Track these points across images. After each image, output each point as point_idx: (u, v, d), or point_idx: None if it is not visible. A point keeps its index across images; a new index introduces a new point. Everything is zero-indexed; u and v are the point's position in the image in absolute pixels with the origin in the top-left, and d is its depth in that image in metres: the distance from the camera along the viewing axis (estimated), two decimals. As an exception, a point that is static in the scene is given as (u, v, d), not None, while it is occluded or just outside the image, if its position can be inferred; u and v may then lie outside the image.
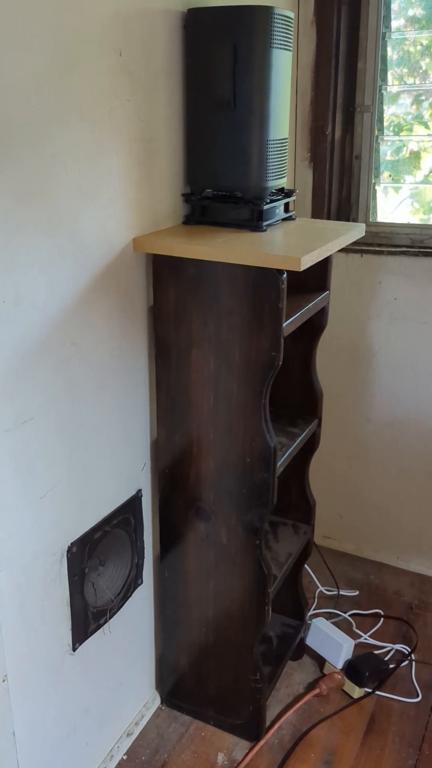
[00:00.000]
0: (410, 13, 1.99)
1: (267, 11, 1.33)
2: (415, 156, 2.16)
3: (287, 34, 1.41)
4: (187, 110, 1.47)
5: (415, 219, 2.19)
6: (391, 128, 2.12)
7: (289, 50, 1.44)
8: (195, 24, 1.40)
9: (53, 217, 1.18)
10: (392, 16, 1.99)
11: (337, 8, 1.94)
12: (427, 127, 2.10)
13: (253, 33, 1.34)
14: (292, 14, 1.42)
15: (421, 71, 2.04)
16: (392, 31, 2.02)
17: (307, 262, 1.28)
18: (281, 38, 1.38)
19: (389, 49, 2.04)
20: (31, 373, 1.20)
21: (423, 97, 2.06)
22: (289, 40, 1.43)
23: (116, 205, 1.33)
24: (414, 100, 2.07)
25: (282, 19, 1.37)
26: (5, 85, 1.03)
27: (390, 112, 2.10)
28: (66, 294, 1.24)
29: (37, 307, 1.18)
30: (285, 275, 1.32)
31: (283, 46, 1.40)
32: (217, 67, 1.39)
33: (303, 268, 1.26)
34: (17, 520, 1.22)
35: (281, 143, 1.49)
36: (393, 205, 2.20)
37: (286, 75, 1.45)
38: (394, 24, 2.00)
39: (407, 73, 2.06)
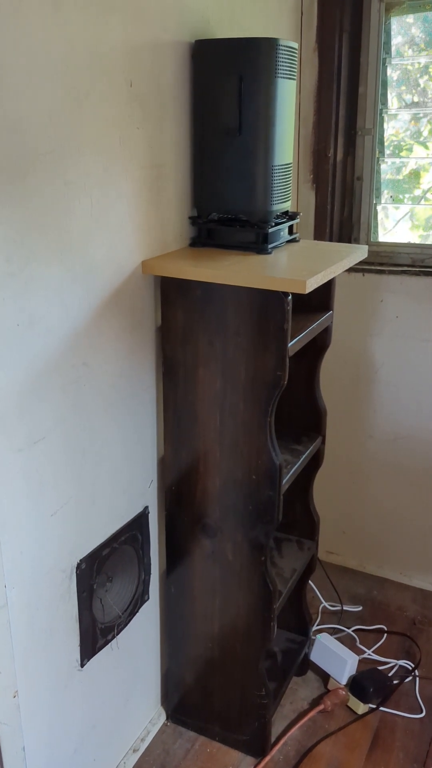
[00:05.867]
0: (409, 33, 2.05)
1: (272, 43, 1.38)
2: (415, 175, 2.21)
3: (291, 64, 1.45)
4: (194, 137, 1.51)
5: (415, 235, 2.23)
6: (390, 147, 2.17)
7: (293, 79, 1.49)
8: (202, 55, 1.44)
9: (66, 242, 1.21)
10: (392, 34, 2.04)
11: (338, 36, 1.99)
12: (426, 147, 2.15)
13: (258, 64, 1.39)
14: (296, 45, 1.46)
15: (419, 89, 2.09)
16: (392, 56, 2.07)
17: (312, 284, 1.31)
18: (285, 68, 1.43)
19: (389, 70, 2.10)
20: (43, 394, 1.23)
21: (421, 114, 2.11)
22: (293, 70, 1.48)
23: (126, 229, 1.37)
24: (412, 116, 2.13)
25: (286, 50, 1.41)
26: (22, 119, 1.07)
27: (389, 129, 2.15)
28: (78, 316, 1.28)
29: (50, 330, 1.21)
30: (290, 297, 1.36)
31: (287, 76, 1.44)
32: (223, 95, 1.43)
33: (308, 290, 1.30)
34: (29, 537, 1.25)
35: (285, 168, 1.53)
36: (392, 222, 2.25)
37: (290, 102, 1.50)
38: (394, 42, 2.05)
39: (405, 90, 2.11)
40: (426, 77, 2.08)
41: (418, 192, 2.21)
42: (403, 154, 2.19)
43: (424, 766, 1.71)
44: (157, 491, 1.65)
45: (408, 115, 2.13)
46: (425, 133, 2.13)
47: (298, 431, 1.80)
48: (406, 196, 2.22)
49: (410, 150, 2.19)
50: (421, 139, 2.15)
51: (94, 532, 1.43)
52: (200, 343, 1.47)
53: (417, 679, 1.98)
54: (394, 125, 2.15)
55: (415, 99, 2.11)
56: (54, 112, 1.13)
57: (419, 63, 2.07)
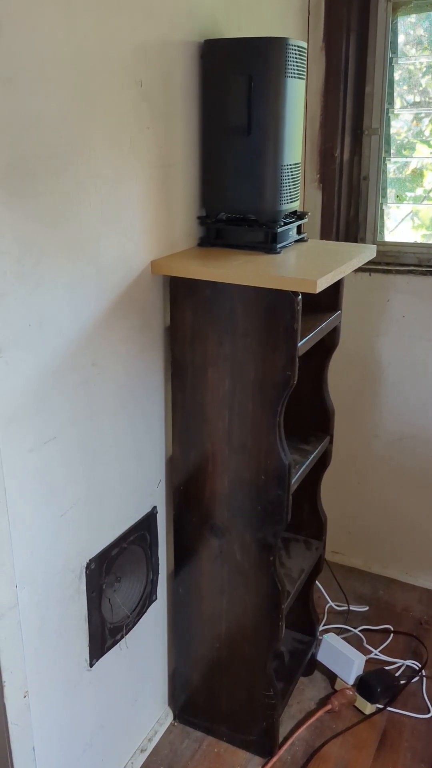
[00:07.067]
0: (413, 33, 2.04)
1: (281, 43, 1.38)
2: (418, 174, 2.21)
3: (300, 63, 1.45)
4: (204, 137, 1.51)
5: (418, 234, 2.23)
6: (395, 147, 2.17)
7: (302, 78, 1.49)
8: (212, 55, 1.44)
9: (76, 242, 1.21)
10: (397, 32, 2.04)
11: (345, 35, 1.99)
12: (429, 145, 2.14)
13: (268, 63, 1.39)
14: (305, 44, 1.46)
15: (420, 89, 2.09)
16: (399, 56, 2.06)
17: (322, 284, 1.31)
18: (295, 68, 1.42)
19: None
20: (53, 394, 1.22)
21: (423, 114, 2.11)
22: (302, 69, 1.47)
23: (135, 229, 1.37)
24: (414, 116, 2.13)
25: (295, 50, 1.41)
26: (34, 120, 1.07)
27: (392, 129, 2.15)
28: (88, 316, 1.28)
29: (60, 330, 1.21)
30: (300, 297, 1.35)
31: (296, 75, 1.44)
32: (232, 95, 1.43)
33: (319, 290, 1.30)
34: (39, 537, 1.25)
35: (294, 168, 1.53)
36: (394, 222, 2.24)
37: (299, 102, 1.49)
38: (397, 40, 2.05)
39: (407, 90, 2.11)
40: (428, 77, 2.07)
41: (420, 191, 2.21)
42: (405, 153, 2.18)
43: (431, 766, 1.71)
44: (166, 491, 1.65)
45: (410, 115, 2.12)
46: (426, 133, 2.13)
47: (306, 431, 1.80)
48: (409, 195, 2.22)
49: (413, 149, 2.19)
50: (424, 138, 2.14)
51: (103, 532, 1.43)
52: (209, 343, 1.47)
53: (424, 679, 1.98)
54: (396, 124, 2.15)
55: (417, 99, 2.11)
56: (65, 113, 1.13)
57: (421, 63, 2.06)
